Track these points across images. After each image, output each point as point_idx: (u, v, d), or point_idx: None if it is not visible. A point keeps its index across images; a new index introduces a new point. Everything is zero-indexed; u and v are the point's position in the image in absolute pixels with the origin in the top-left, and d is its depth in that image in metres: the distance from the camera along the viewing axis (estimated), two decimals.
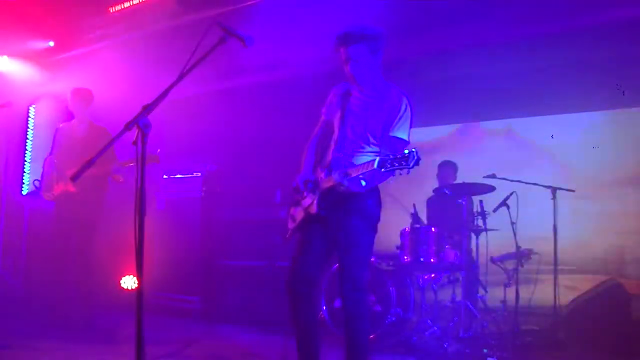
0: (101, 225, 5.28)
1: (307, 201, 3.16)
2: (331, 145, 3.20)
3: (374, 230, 3.15)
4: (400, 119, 3.01)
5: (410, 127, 3.05)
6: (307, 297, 3.12)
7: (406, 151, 2.60)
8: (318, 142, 3.36)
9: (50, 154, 5.30)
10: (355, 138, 3.10)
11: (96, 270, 5.23)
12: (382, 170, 2.64)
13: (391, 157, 2.62)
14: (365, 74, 3.10)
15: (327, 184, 3.05)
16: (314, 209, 3.07)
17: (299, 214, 3.22)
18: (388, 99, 3.08)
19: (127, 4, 6.12)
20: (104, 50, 6.44)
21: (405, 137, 3.00)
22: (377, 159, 2.66)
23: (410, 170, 2.59)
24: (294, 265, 3.14)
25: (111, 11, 6.24)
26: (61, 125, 5.46)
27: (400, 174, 2.66)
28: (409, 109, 3.05)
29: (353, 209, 3.04)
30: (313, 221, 3.12)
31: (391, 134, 3.00)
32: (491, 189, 4.94)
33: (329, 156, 3.17)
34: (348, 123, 3.13)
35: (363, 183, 2.91)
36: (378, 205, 3.16)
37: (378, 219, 3.16)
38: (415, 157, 2.57)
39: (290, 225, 3.29)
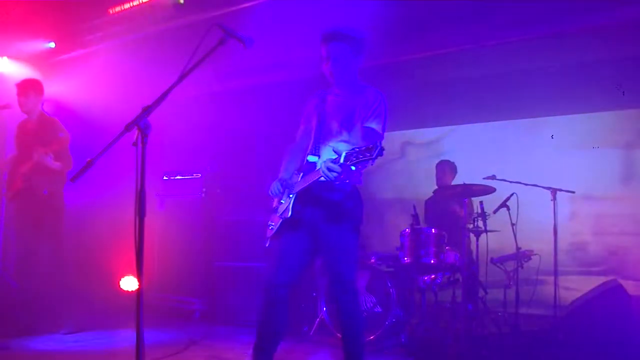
0: (64, 223, 5.17)
1: (282, 207, 3.14)
2: (307, 150, 3.20)
3: (357, 231, 3.15)
4: (374, 111, 3.01)
5: (385, 123, 3.04)
6: (283, 305, 3.08)
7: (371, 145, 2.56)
8: (296, 149, 3.33)
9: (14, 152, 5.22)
10: (331, 138, 3.09)
11: (94, 270, 5.21)
12: (348, 163, 2.61)
13: (356, 150, 2.59)
14: (343, 74, 3.09)
15: (300, 185, 3.04)
16: (287, 214, 3.05)
17: (276, 221, 3.20)
18: (363, 96, 3.08)
19: (127, 6, 6.11)
20: (104, 51, 6.44)
21: (378, 128, 3.00)
22: (344, 153, 2.62)
23: (374, 161, 2.56)
24: (272, 274, 3.10)
25: (111, 12, 6.23)
26: (20, 122, 5.31)
27: (365, 166, 2.69)
28: (384, 105, 3.05)
29: (335, 214, 3.04)
30: (290, 227, 3.10)
31: (365, 124, 3.00)
32: (491, 190, 4.94)
33: (306, 160, 3.16)
34: (323, 127, 3.14)
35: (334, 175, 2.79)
36: (359, 205, 3.17)
37: (361, 220, 3.17)
38: (379, 147, 2.53)
39: (269, 233, 3.26)
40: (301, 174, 3.12)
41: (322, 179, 2.82)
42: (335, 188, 3.04)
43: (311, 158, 3.11)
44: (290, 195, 3.09)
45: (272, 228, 3.22)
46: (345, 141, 3.03)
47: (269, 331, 3.10)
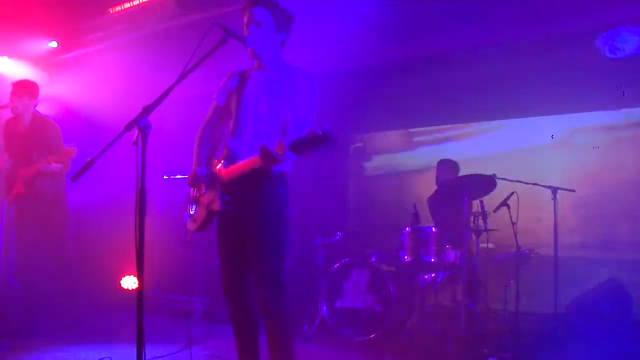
0: (68, 223, 5.21)
1: (206, 198, 2.90)
2: (227, 133, 2.98)
3: (287, 220, 2.91)
4: (305, 96, 2.84)
5: (316, 108, 2.88)
6: (242, 305, 2.95)
7: (320, 132, 2.33)
8: (211, 132, 3.09)
9: (4, 153, 5.16)
10: (257, 123, 2.86)
11: (92, 270, 5.20)
12: (296, 153, 2.41)
13: (305, 139, 2.36)
14: (264, 45, 2.87)
15: (229, 175, 2.83)
16: (217, 206, 2.81)
17: (200, 214, 2.93)
18: (292, 78, 2.88)
19: (127, 5, 6.12)
20: (105, 51, 6.45)
21: (310, 116, 2.84)
22: (291, 142, 2.41)
23: (327, 149, 2.36)
24: (224, 276, 2.97)
25: (111, 12, 6.24)
26: (6, 121, 5.25)
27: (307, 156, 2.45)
28: (315, 90, 2.88)
29: (261, 200, 2.83)
30: (222, 222, 2.93)
31: (296, 110, 2.82)
32: (492, 184, 4.93)
33: (227, 145, 2.94)
34: (247, 107, 2.91)
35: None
36: (287, 193, 2.93)
37: (287, 206, 2.92)
38: (331, 137, 2.33)
39: (192, 226, 3.00)
40: (222, 161, 2.91)
41: (256, 166, 2.64)
42: (265, 175, 2.82)
43: (233, 143, 2.91)
44: (216, 186, 2.85)
45: (194, 221, 2.96)
46: (272, 125, 2.83)
47: (243, 338, 2.99)
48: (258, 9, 2.87)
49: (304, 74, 2.92)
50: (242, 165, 2.78)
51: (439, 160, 5.81)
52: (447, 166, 5.73)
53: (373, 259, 4.98)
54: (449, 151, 6.20)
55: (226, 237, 2.96)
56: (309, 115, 2.84)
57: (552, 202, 4.98)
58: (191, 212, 3.01)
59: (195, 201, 3.00)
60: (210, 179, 2.90)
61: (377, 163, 7.18)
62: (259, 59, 2.95)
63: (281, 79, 2.91)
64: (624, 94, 5.33)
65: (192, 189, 3.04)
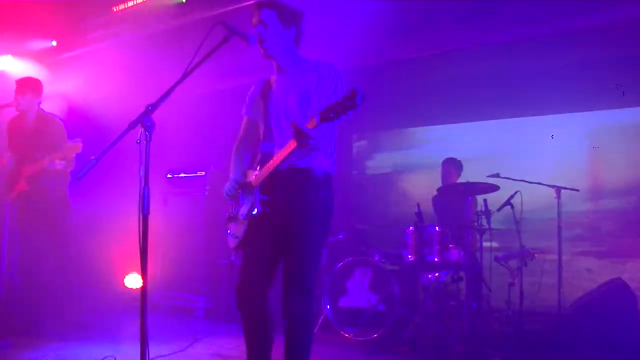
0: (71, 221, 5.18)
1: (244, 209, 2.88)
2: (259, 142, 2.95)
3: (328, 228, 2.89)
4: (331, 86, 2.80)
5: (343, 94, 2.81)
6: (259, 312, 2.84)
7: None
8: (246, 145, 3.09)
9: (7, 150, 5.15)
10: (287, 123, 2.76)
11: (95, 268, 5.20)
12: (326, 122, 2.39)
13: (334, 103, 2.35)
14: (273, 43, 2.87)
15: (262, 175, 2.80)
16: (256, 209, 2.79)
17: (241, 229, 2.89)
18: (316, 72, 2.85)
19: (130, 3, 6.13)
20: (107, 49, 6.46)
21: None
22: (320, 112, 2.39)
23: (358, 109, 2.32)
24: (243, 278, 2.85)
25: (114, 10, 6.25)
26: (10, 119, 5.26)
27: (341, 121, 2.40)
28: (340, 80, 2.84)
29: (304, 205, 2.77)
30: (256, 226, 2.83)
31: (324, 102, 2.66)
32: (495, 188, 4.92)
33: (260, 150, 2.90)
34: (276, 110, 2.88)
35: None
36: (332, 199, 2.88)
37: (332, 214, 2.87)
38: (360, 92, 2.30)
39: (233, 243, 2.96)
40: (257, 167, 2.88)
41: (291, 150, 2.60)
42: (307, 175, 2.79)
43: (266, 147, 2.88)
44: (252, 192, 2.84)
45: (236, 237, 2.92)
46: (304, 121, 2.70)
47: (255, 347, 2.89)
48: (264, 10, 2.89)
49: (326, 64, 2.90)
50: (278, 155, 2.74)
51: (443, 159, 5.81)
52: (451, 165, 5.73)
53: (376, 258, 4.97)
54: (453, 149, 6.18)
55: (258, 238, 2.85)
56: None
57: (556, 201, 4.97)
58: (231, 231, 2.97)
59: (234, 218, 2.96)
60: (246, 187, 2.90)
61: (379, 162, 7.17)
62: (273, 58, 2.94)
63: (304, 76, 2.89)
64: (623, 94, 5.33)
65: (230, 206, 3.00)
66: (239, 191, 2.93)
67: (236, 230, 2.94)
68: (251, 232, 2.85)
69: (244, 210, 2.89)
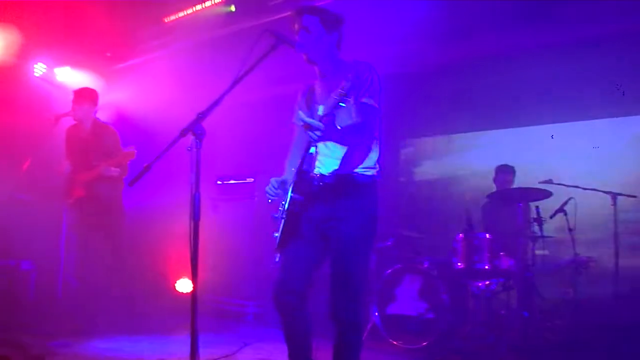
0: (125, 226, 5.37)
1: (281, 208, 2.92)
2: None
3: (373, 233, 2.88)
4: (366, 85, 2.79)
5: (380, 96, 2.83)
6: (296, 309, 2.82)
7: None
8: (295, 149, 3.11)
9: (66, 158, 5.36)
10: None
11: (148, 272, 5.32)
12: (331, 111, 2.51)
13: (333, 97, 2.48)
14: (316, 49, 2.90)
15: (293, 177, 2.83)
16: (288, 206, 2.82)
17: (279, 227, 2.92)
18: (353, 72, 2.78)
19: (181, 14, 6.27)
20: (159, 59, 6.62)
21: (373, 102, 2.79)
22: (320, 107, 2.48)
23: None
24: (281, 275, 2.85)
25: (166, 21, 6.41)
26: (68, 127, 5.46)
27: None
28: (377, 77, 2.84)
29: (348, 209, 2.78)
30: (293, 225, 2.84)
31: (358, 99, 2.78)
32: (548, 194, 4.80)
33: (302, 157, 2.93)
34: (317, 115, 2.86)
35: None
36: (377, 203, 2.88)
37: (377, 219, 2.87)
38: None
39: (274, 242, 2.96)
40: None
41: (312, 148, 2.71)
42: (351, 181, 2.81)
43: (310, 150, 2.89)
44: (287, 191, 2.87)
45: (276, 236, 2.93)
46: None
47: (295, 345, 2.88)
48: (305, 17, 2.91)
49: (363, 63, 2.91)
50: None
51: (497, 166, 5.71)
52: (505, 172, 5.63)
53: (425, 265, 4.91)
54: (500, 156, 6.05)
55: (294, 236, 2.85)
56: (373, 98, 2.81)
57: (612, 208, 4.80)
58: (274, 230, 2.98)
59: (275, 218, 2.97)
60: (283, 186, 2.93)
61: (426, 168, 7.10)
62: (315, 63, 2.97)
63: (340, 75, 2.85)
64: (623, 94, 5.19)
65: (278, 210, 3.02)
66: (280, 191, 2.95)
67: (276, 229, 2.96)
68: (287, 230, 2.87)
69: (281, 209, 2.91)
